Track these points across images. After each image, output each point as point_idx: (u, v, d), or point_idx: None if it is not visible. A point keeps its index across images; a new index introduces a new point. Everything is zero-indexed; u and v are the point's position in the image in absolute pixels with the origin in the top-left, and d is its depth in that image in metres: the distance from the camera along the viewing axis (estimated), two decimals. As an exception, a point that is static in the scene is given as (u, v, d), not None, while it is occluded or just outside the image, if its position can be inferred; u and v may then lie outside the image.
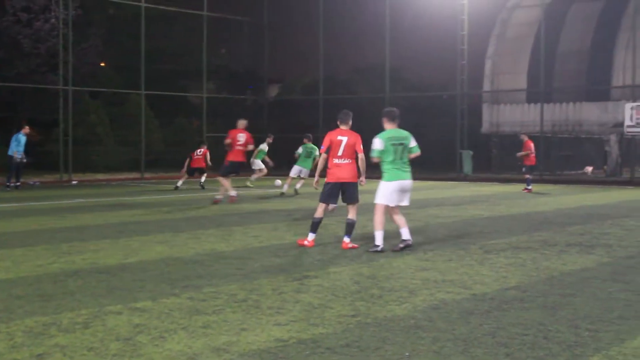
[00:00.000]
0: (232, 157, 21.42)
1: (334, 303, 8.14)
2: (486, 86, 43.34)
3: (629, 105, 33.51)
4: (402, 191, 12.23)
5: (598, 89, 39.76)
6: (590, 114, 39.63)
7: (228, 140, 21.31)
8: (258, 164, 29.53)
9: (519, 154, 28.34)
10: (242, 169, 22.30)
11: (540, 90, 38.48)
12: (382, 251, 11.94)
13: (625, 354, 6.26)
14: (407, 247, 12.20)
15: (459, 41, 39.59)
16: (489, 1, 42.04)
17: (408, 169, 12.27)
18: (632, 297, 8.58)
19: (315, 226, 12.81)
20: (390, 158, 12.11)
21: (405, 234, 12.34)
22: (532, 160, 28.17)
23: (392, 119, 12.38)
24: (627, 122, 33.32)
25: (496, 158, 44.70)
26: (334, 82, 45.48)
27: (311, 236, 12.80)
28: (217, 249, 12.34)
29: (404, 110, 45.21)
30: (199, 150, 28.78)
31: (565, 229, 15.37)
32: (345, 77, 49.60)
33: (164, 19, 44.07)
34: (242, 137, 21.32)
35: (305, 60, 47.06)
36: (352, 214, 12.68)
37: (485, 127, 42.66)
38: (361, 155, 12.64)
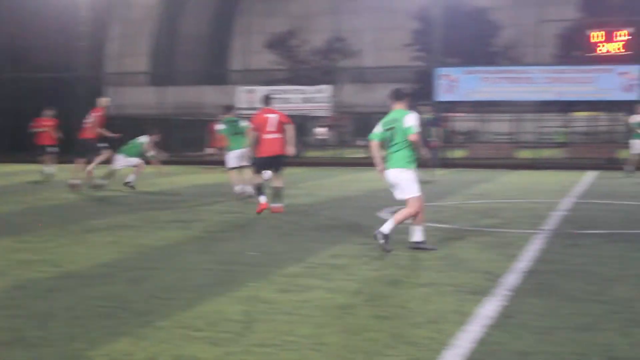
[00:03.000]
0: None
1: None
2: (109, 68, 43.29)
3: (242, 89, 35.22)
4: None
5: (216, 72, 41.32)
6: (209, 97, 41.00)
7: None
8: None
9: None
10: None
11: (160, 74, 39.23)
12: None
13: (192, 317, 6.86)
14: None
15: (80, 23, 39.24)
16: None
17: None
18: (214, 266, 9.29)
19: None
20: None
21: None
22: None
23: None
24: (242, 105, 35.00)
25: (120, 140, 44.77)
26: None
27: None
28: None
29: (25, 93, 42.93)
30: None
31: (173, 208, 15.97)
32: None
33: None
34: None
35: None
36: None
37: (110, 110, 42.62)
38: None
